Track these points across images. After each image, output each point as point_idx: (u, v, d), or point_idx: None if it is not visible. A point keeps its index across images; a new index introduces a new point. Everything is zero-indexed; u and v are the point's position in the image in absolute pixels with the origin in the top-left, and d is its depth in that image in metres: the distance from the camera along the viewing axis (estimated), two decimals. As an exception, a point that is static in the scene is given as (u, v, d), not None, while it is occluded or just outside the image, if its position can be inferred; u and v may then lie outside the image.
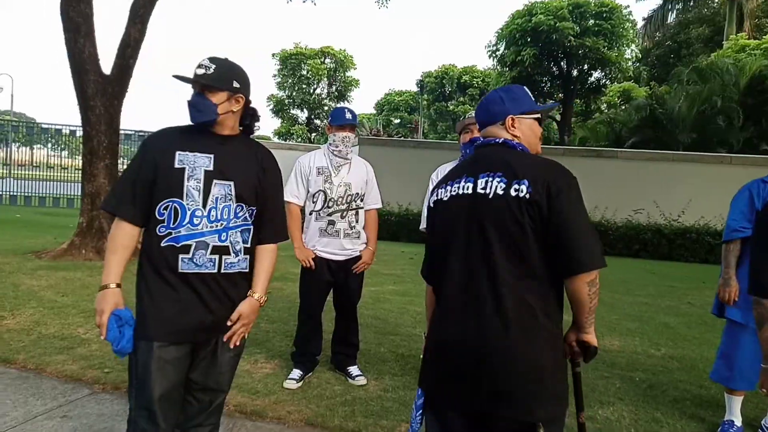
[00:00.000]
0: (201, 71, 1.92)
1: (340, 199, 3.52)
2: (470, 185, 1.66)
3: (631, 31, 26.88)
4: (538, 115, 1.78)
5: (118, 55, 7.83)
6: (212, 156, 1.97)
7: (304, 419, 3.07)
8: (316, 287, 3.60)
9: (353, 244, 3.60)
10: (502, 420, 1.56)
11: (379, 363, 3.99)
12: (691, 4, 27.36)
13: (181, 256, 1.92)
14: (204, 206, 1.94)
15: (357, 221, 3.61)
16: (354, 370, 3.66)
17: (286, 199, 3.52)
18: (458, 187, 1.70)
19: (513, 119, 1.73)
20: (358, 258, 3.63)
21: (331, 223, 3.52)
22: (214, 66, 1.93)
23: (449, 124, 40.73)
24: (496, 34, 27.61)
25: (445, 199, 1.75)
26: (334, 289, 3.68)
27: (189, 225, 1.91)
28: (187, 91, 2.01)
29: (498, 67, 29.27)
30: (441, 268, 1.72)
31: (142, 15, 7.84)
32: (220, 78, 1.93)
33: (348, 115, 3.56)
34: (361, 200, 3.62)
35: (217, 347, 2.04)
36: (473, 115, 3.39)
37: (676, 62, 26.09)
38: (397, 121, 46.66)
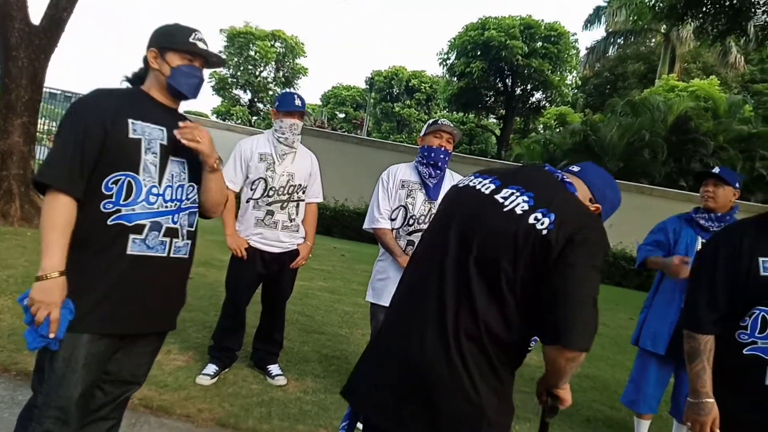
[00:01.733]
0: (204, 46, 1.86)
1: (282, 189, 3.34)
2: (492, 187, 1.48)
3: (574, 59, 28.07)
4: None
5: (51, 5, 7.19)
6: (164, 129, 1.81)
7: (215, 419, 2.87)
8: (245, 279, 3.40)
9: (291, 237, 3.43)
10: None
11: (302, 363, 3.84)
12: (632, 39, 28.91)
13: (132, 236, 1.72)
14: (160, 184, 1.77)
15: (297, 214, 3.44)
16: (274, 368, 3.49)
17: None
18: (479, 182, 1.52)
19: (597, 207, 1.57)
20: (294, 252, 3.46)
21: (270, 213, 3.33)
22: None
23: (393, 124, 40.93)
24: (449, 43, 28.03)
25: (461, 185, 1.58)
26: (264, 283, 3.50)
27: (144, 203, 1.73)
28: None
29: (447, 76, 29.71)
30: (415, 253, 1.60)
31: (81, -34, 7.24)
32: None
33: (297, 102, 3.38)
34: (303, 192, 3.46)
35: (140, 337, 1.87)
36: (448, 122, 3.27)
37: (611, 93, 27.49)
38: (342, 115, 46.33)
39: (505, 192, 1.45)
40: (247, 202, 3.36)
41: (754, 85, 29.83)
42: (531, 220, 1.36)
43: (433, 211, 3.08)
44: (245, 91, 40.40)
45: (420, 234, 2.99)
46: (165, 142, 1.81)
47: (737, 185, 3.07)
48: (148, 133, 1.78)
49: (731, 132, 17.09)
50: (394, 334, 1.50)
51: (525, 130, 31.22)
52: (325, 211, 12.47)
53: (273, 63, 39.71)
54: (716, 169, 3.14)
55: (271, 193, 3.31)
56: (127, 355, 1.88)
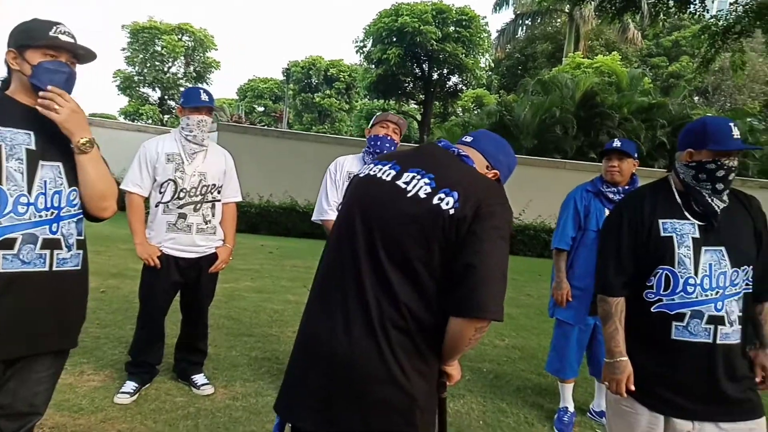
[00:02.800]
0: (69, 39, 1.71)
1: (194, 190, 3.16)
2: (393, 173, 1.47)
3: (486, 41, 28.81)
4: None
5: None
6: (32, 133, 1.65)
7: (137, 438, 2.71)
8: (160, 289, 3.20)
9: (207, 240, 3.25)
10: None
11: (230, 369, 3.70)
12: (539, 20, 30.08)
13: (2, 252, 1.57)
14: (30, 192, 1.61)
15: (213, 215, 3.27)
16: (199, 378, 3.33)
17: (125, 188, 3.11)
18: (379, 170, 1.50)
19: (495, 173, 1.60)
20: (213, 256, 3.30)
21: (182, 216, 3.15)
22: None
23: (315, 115, 40.44)
24: (364, 31, 27.93)
25: (361, 175, 1.57)
26: (182, 291, 3.32)
27: (12, 214, 1.57)
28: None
29: (364, 63, 29.65)
30: (326, 249, 1.55)
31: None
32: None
33: (204, 96, 3.18)
34: (218, 192, 3.28)
35: (33, 362, 1.71)
36: (395, 114, 3.24)
37: (523, 74, 28.55)
38: (261, 108, 45.20)
39: (406, 176, 1.45)
40: (157, 206, 3.16)
41: (651, 59, 32.05)
42: (435, 201, 1.37)
43: None
44: (154, 89, 38.38)
45: None
46: (33, 147, 1.64)
47: (636, 156, 3.25)
48: (9, 139, 1.61)
49: (634, 104, 18.22)
50: (316, 333, 1.46)
51: (445, 114, 31.80)
52: (249, 209, 12.15)
53: (182, 58, 37.98)
54: (617, 143, 3.28)
55: (182, 195, 3.13)
56: (20, 384, 1.71)
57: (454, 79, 29.41)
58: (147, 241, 3.14)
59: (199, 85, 3.56)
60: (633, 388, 1.82)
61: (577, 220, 3.31)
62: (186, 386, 3.33)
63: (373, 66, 27.63)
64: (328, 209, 3.18)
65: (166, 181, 3.12)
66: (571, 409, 3.34)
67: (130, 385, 3.13)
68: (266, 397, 3.26)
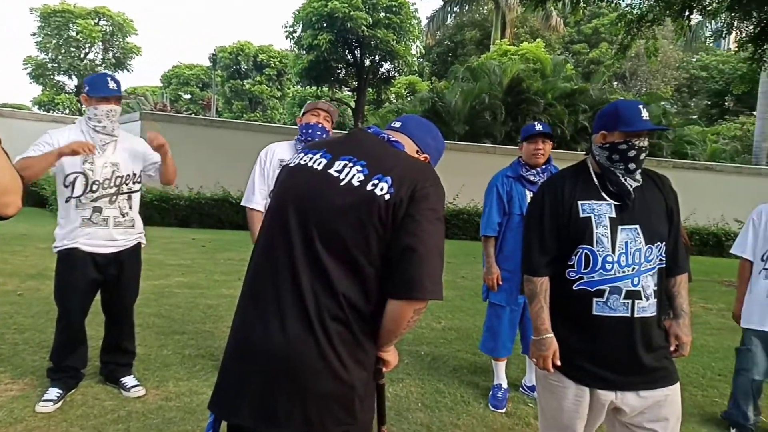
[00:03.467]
0: None
1: (107, 182, 3.00)
2: (324, 162, 1.45)
3: (417, 28, 29.03)
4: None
5: None
6: None
7: (63, 447, 2.58)
8: (77, 287, 3.02)
9: (126, 234, 3.11)
10: None
11: (161, 368, 3.57)
12: (466, 8, 30.62)
13: None
14: None
15: (130, 207, 3.12)
16: (129, 380, 3.19)
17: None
18: (310, 159, 1.48)
19: (425, 158, 1.61)
20: (134, 250, 3.16)
21: (97, 210, 2.99)
22: None
23: (245, 103, 39.36)
24: (294, 16, 27.39)
25: (291, 165, 1.53)
26: (102, 289, 3.16)
27: None
28: None
29: (295, 50, 29.12)
30: (257, 241, 1.52)
31: None
32: None
33: (112, 85, 2.99)
34: (135, 183, 3.13)
35: None
36: (326, 101, 3.20)
37: (453, 60, 29.02)
38: (188, 96, 43.45)
39: (338, 165, 1.43)
40: (67, 201, 2.98)
41: (573, 45, 33.45)
42: (369, 187, 1.36)
43: None
44: (70, 77, 36.05)
45: None
46: None
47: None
48: None
49: (557, 89, 18.96)
50: (251, 329, 1.43)
51: (378, 101, 31.85)
52: (179, 202, 11.70)
53: (99, 43, 35.82)
54: (539, 127, 3.41)
55: (95, 187, 2.97)
56: None
57: (387, 65, 29.49)
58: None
59: (107, 72, 3.29)
60: (559, 363, 1.91)
61: (501, 205, 3.42)
62: (115, 389, 3.19)
63: (304, 52, 27.21)
64: (251, 197, 3.19)
65: (74, 174, 2.94)
66: (505, 385, 3.48)
67: (53, 392, 2.96)
68: (201, 396, 3.18)
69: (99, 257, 3.02)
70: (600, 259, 1.86)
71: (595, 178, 1.95)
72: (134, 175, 3.13)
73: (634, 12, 10.08)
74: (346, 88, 32.25)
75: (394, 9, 26.75)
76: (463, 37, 32.01)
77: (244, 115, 37.32)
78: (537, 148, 3.34)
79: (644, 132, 1.89)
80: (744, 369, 3.22)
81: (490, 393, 3.46)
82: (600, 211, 1.90)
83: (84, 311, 3.11)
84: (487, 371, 3.87)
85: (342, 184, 1.39)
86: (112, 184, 3.01)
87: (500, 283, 3.39)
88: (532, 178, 3.36)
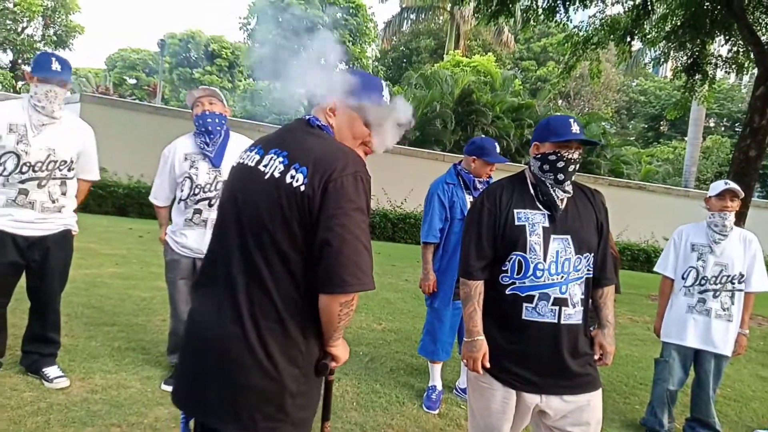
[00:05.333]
0: None
1: (40, 165, 2.86)
2: (257, 158, 1.46)
3: (373, 31, 29.18)
4: (366, 114, 1.52)
5: None
6: None
7: (-26, 440, 2.42)
8: None
9: (53, 219, 2.98)
10: None
11: (88, 360, 3.42)
12: (423, 16, 31.01)
13: None
14: None
15: (62, 193, 2.99)
16: (52, 371, 3.04)
17: None
18: (247, 156, 1.50)
19: (335, 105, 1.50)
20: (61, 235, 3.03)
21: (24, 192, 2.85)
22: None
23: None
24: (249, 7, 26.90)
25: (235, 164, 1.56)
26: (27, 275, 3.00)
27: None
28: None
29: (248, 42, 28.59)
30: (211, 236, 1.54)
31: None
32: None
33: (56, 66, 2.85)
34: (69, 170, 3.00)
35: None
36: (202, 87, 3.24)
37: (407, 66, 29.32)
38: (133, 81, 41.73)
39: (266, 159, 1.45)
40: None
41: (522, 62, 34.49)
42: (288, 179, 1.36)
43: (219, 179, 3.19)
44: (5, 51, 33.86)
45: (207, 202, 3.17)
46: None
47: None
48: None
49: (505, 103, 19.52)
50: (196, 319, 1.48)
51: (331, 102, 31.71)
52: (117, 189, 11.24)
53: (39, 18, 33.88)
54: (498, 150, 3.46)
55: (24, 169, 2.83)
56: None
57: (341, 66, 29.47)
58: None
59: (53, 52, 3.07)
60: (488, 365, 1.98)
61: (443, 212, 3.47)
62: (36, 380, 3.03)
63: (258, 45, 26.75)
64: (156, 192, 3.37)
65: (7, 154, 2.80)
66: (439, 387, 3.55)
67: (-34, 382, 2.79)
68: (129, 389, 3.07)
69: (20, 239, 2.88)
70: (532, 266, 1.94)
71: (531, 188, 2.04)
72: (71, 161, 3.00)
73: (581, 34, 10.52)
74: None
75: (351, 10, 26.79)
76: (418, 44, 32.42)
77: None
78: (491, 169, 3.44)
79: (573, 144, 1.98)
80: (661, 379, 3.42)
81: (425, 394, 3.52)
82: (534, 219, 1.98)
83: (4, 294, 2.94)
84: (423, 373, 3.93)
85: (266, 177, 1.40)
86: (44, 168, 2.88)
87: (435, 290, 3.45)
88: (479, 185, 3.44)
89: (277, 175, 1.38)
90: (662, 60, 11.08)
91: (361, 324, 5.16)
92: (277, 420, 1.38)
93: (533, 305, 1.94)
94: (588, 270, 2.01)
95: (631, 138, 29.43)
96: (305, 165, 1.36)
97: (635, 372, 4.73)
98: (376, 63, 33.07)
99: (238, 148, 3.26)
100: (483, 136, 3.63)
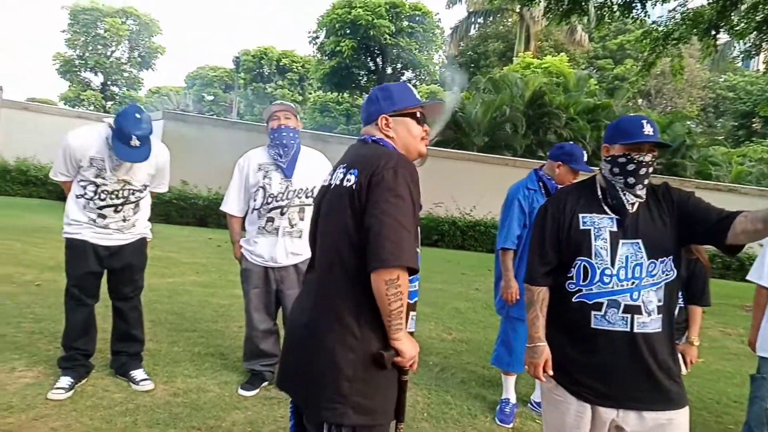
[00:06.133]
0: None
1: (116, 192, 3.08)
2: (330, 177, 1.72)
3: (440, 38, 29.12)
4: (415, 113, 1.72)
5: None
6: None
7: (71, 437, 2.60)
8: (81, 269, 3.10)
9: (128, 233, 3.21)
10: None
11: (171, 364, 3.60)
12: (491, 20, 30.62)
13: None
14: None
15: (134, 213, 3.19)
16: (138, 373, 3.22)
17: (53, 176, 3.08)
18: (329, 176, 1.73)
19: (386, 119, 1.70)
20: (136, 243, 3.24)
21: (102, 216, 3.09)
22: None
23: (267, 106, 39.73)
24: (317, 22, 27.66)
25: (321, 185, 1.81)
26: (108, 278, 3.24)
27: None
28: None
29: (318, 55, 29.37)
30: None
31: None
32: None
33: (135, 142, 2.88)
34: (142, 191, 3.20)
35: None
36: (281, 102, 3.38)
37: (475, 71, 28.99)
38: (211, 98, 44.00)
39: (334, 174, 1.70)
40: (78, 198, 3.07)
41: (597, 61, 33.19)
42: (345, 183, 1.59)
43: (290, 188, 3.30)
44: (96, 74, 36.75)
45: (278, 211, 3.28)
46: None
47: None
48: None
49: (580, 104, 18.86)
50: (294, 310, 1.77)
51: (398, 109, 31.90)
52: (197, 201, 11.84)
53: (126, 42, 36.51)
54: (585, 158, 3.33)
55: (103, 196, 3.06)
56: None
57: (408, 74, 29.60)
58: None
59: (141, 114, 3.09)
60: (551, 372, 1.91)
61: (522, 218, 3.36)
62: (124, 382, 3.22)
63: (327, 58, 27.43)
64: (228, 201, 3.46)
65: (87, 182, 3.03)
66: (513, 400, 3.43)
67: (64, 381, 3.01)
68: (209, 393, 3.20)
69: (101, 249, 3.11)
70: (598, 271, 1.85)
71: (599, 192, 1.95)
72: (145, 187, 3.21)
73: (660, 29, 9.98)
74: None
75: (417, 18, 26.87)
76: (486, 48, 32.01)
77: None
78: (576, 177, 3.30)
79: (645, 146, 1.87)
80: (759, 397, 3.13)
81: (498, 407, 3.42)
82: (600, 224, 1.89)
83: (90, 289, 3.15)
84: (495, 385, 3.83)
85: (332, 186, 1.65)
86: (120, 195, 3.09)
87: (518, 297, 3.31)
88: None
89: (337, 182, 1.63)
90: (753, 53, 10.30)
91: (431, 333, 5.11)
92: (335, 402, 1.50)
93: (602, 313, 1.84)
94: (666, 275, 1.86)
95: (720, 137, 27.49)
96: (356, 168, 1.58)
97: (728, 389, 4.38)
98: (443, 69, 32.96)
99: (308, 160, 3.36)
100: (570, 142, 3.51)
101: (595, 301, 1.85)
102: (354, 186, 1.54)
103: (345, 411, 1.49)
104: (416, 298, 1.67)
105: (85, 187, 3.03)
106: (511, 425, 3.29)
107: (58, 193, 13.04)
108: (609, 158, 1.92)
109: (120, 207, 3.10)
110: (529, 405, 3.60)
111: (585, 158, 3.34)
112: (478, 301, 6.88)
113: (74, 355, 3.12)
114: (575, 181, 3.30)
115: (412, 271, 1.52)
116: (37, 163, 14.10)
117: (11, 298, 4.66)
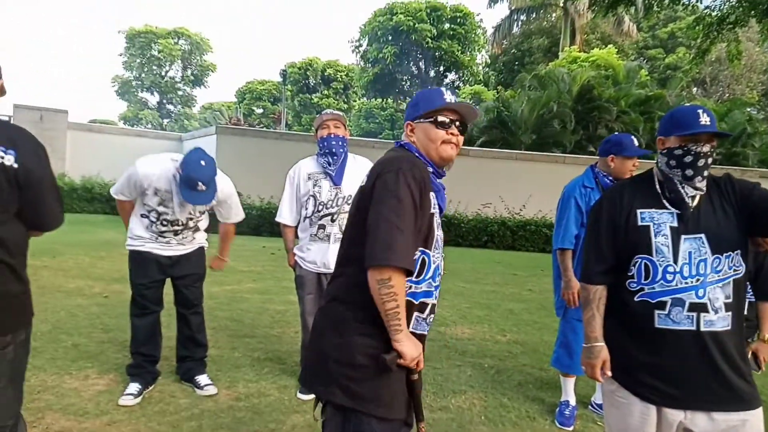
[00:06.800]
0: None
1: (178, 221, 3.24)
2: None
3: (482, 38, 28.86)
4: (435, 117, 1.71)
5: None
6: None
7: (142, 440, 2.74)
8: (144, 277, 3.27)
9: (187, 245, 3.37)
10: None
11: (232, 369, 3.73)
12: (534, 16, 30.09)
13: None
14: None
15: (192, 233, 3.35)
16: (203, 379, 3.36)
17: (114, 194, 3.31)
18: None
19: (409, 125, 1.77)
20: (196, 252, 3.40)
21: (162, 235, 3.27)
22: None
23: (313, 116, 40.40)
24: (360, 30, 27.96)
25: None
26: (173, 286, 3.39)
27: None
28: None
29: (361, 63, 29.67)
30: None
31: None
32: None
33: (200, 187, 3.00)
34: (199, 216, 3.34)
35: None
36: (331, 111, 3.44)
37: (520, 69, 28.53)
38: (260, 110, 45.16)
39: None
40: (141, 216, 3.24)
41: (647, 51, 32.02)
42: (363, 184, 1.67)
43: (339, 195, 3.35)
44: (152, 93, 38.48)
45: (329, 218, 3.33)
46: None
47: None
48: None
49: (631, 96, 18.25)
50: None
51: (443, 111, 31.73)
52: (251, 211, 12.17)
53: (179, 61, 38.05)
54: (636, 143, 3.24)
55: (164, 222, 3.22)
56: None
57: (451, 76, 29.48)
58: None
59: (202, 171, 3.27)
60: (609, 373, 1.85)
61: (580, 218, 3.27)
62: (189, 388, 3.36)
63: (370, 65, 27.67)
64: (283, 212, 3.51)
65: (151, 208, 3.18)
66: (573, 402, 3.36)
67: (133, 387, 3.17)
68: (269, 397, 3.29)
69: (163, 258, 3.27)
70: (660, 269, 1.77)
71: (657, 186, 1.88)
72: (203, 212, 3.36)
73: (714, 14, 9.55)
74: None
75: (458, 20, 26.73)
76: (530, 45, 31.44)
77: (312, 128, 38.35)
78: (635, 165, 3.20)
79: (703, 137, 1.79)
80: None
81: (557, 410, 3.36)
82: (660, 219, 1.81)
83: (153, 295, 3.30)
84: (553, 387, 3.75)
85: (359, 189, 1.72)
86: (181, 224, 3.25)
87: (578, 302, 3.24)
88: None
89: (362, 184, 1.69)
90: (818, 32, 9.67)
91: (485, 336, 5.07)
92: (326, 382, 1.60)
93: (666, 312, 1.77)
94: (734, 270, 1.77)
95: (785, 123, 25.92)
96: (372, 171, 1.65)
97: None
98: (487, 69, 32.60)
99: (356, 167, 3.40)
100: (617, 133, 3.38)
101: (659, 300, 1.78)
102: (365, 188, 1.62)
103: (333, 390, 1.57)
104: (426, 299, 1.65)
105: (148, 213, 3.19)
106: (571, 428, 3.21)
107: (121, 209, 13.75)
108: (665, 151, 1.85)
109: (180, 231, 3.26)
110: (589, 407, 3.51)
111: (636, 143, 3.23)
112: (532, 302, 6.75)
113: (141, 362, 3.28)
114: (634, 170, 3.20)
115: (409, 273, 1.53)
116: (100, 181, 14.87)
117: (82, 309, 4.94)
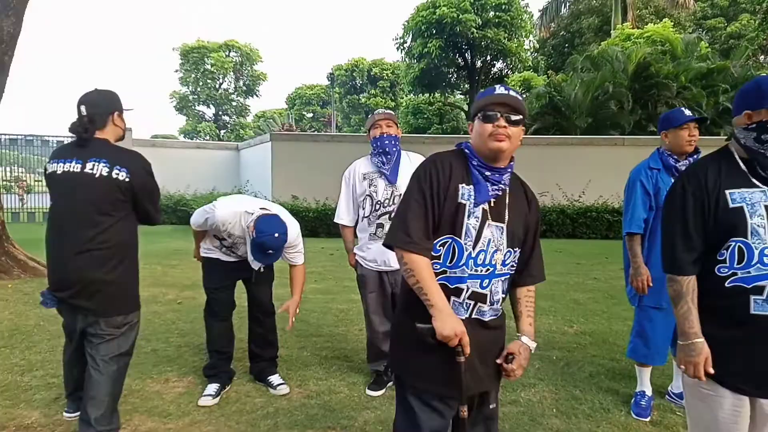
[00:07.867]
0: None
1: (233, 243, 3.39)
2: None
3: (529, 23, 28.09)
4: (479, 114, 1.77)
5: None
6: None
7: (223, 439, 2.87)
8: (216, 280, 3.44)
9: None
10: None
11: (302, 368, 3.84)
12: (581, -5, 29.06)
13: None
14: None
15: None
16: (275, 379, 3.48)
17: (192, 224, 3.47)
18: None
19: (470, 125, 1.83)
20: None
21: (229, 248, 3.42)
22: None
23: (362, 116, 40.74)
24: (403, 27, 27.88)
25: None
26: (246, 289, 3.54)
27: None
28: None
29: (406, 60, 29.59)
30: None
31: (16, 6, 7.06)
32: None
33: (271, 246, 3.08)
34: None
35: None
36: (383, 110, 3.46)
37: (570, 51, 27.65)
38: (310, 115, 46.00)
39: None
40: (215, 237, 3.40)
41: (706, 21, 30.27)
42: None
43: (396, 193, 3.37)
44: (208, 106, 39.93)
45: (387, 216, 3.34)
46: None
47: None
48: None
49: (691, 70, 17.31)
50: None
51: (492, 102, 31.18)
52: (308, 213, 12.44)
53: (231, 73, 39.27)
54: (689, 113, 3.12)
55: (233, 249, 3.39)
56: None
57: (499, 64, 28.88)
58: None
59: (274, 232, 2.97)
60: (712, 371, 1.72)
61: (647, 200, 3.15)
62: (263, 387, 3.49)
63: (415, 61, 27.53)
64: (341, 213, 3.57)
65: (222, 239, 3.35)
66: (649, 392, 3.24)
67: (212, 388, 3.32)
68: (339, 395, 3.37)
69: (232, 263, 3.42)
70: (756, 252, 1.66)
71: (741, 164, 1.75)
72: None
73: (782, -26, 8.92)
74: (458, 92, 32.07)
75: (503, 7, 26.16)
76: (580, 25, 30.38)
77: (361, 128, 38.66)
78: (691, 134, 3.05)
79: None
80: None
81: (633, 400, 3.25)
82: (753, 199, 1.69)
83: (225, 302, 3.47)
84: (627, 378, 3.64)
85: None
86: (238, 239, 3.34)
87: (650, 284, 3.10)
88: (682, 168, 3.06)
89: None
90: None
91: (551, 327, 4.97)
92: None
93: (764, 297, 1.65)
94: None
95: None
96: None
97: None
98: (535, 54, 31.77)
99: (410, 165, 3.41)
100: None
101: (755, 284, 1.67)
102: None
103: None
104: (460, 284, 1.72)
105: (221, 241, 3.36)
106: (648, 419, 3.11)
107: (186, 219, 14.36)
108: (753, 125, 1.71)
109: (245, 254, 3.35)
110: (666, 396, 3.38)
111: (686, 112, 3.09)
112: (599, 291, 6.55)
113: (217, 360, 3.43)
114: (692, 140, 3.06)
115: (430, 256, 1.72)
116: (166, 193, 15.58)
117: (158, 316, 5.21)
